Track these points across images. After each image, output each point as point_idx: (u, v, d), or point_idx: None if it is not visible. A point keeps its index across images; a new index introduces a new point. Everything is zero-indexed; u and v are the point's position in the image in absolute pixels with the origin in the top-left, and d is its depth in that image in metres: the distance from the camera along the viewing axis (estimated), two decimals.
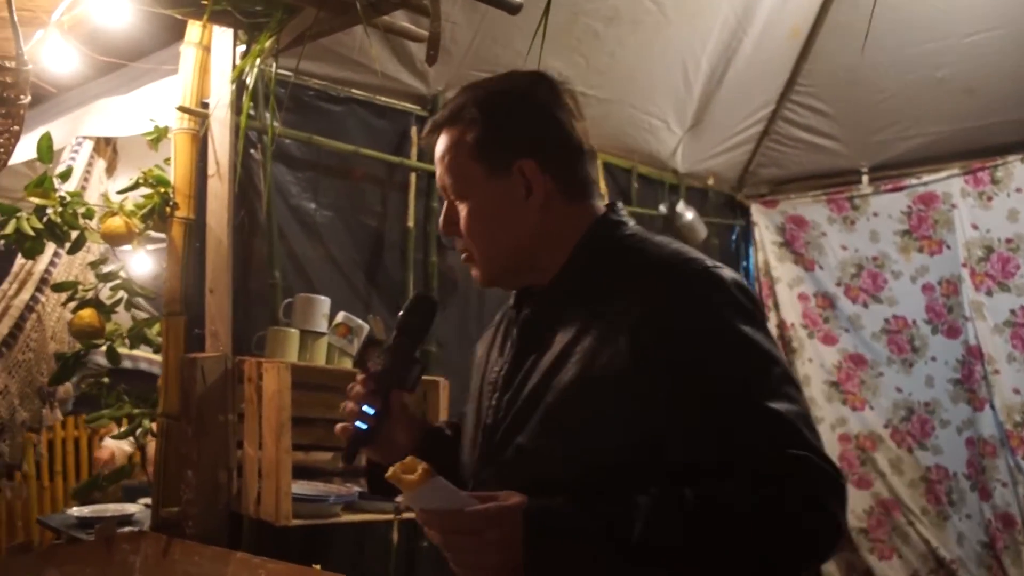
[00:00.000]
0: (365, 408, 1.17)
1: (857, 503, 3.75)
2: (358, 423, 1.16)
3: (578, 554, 0.96)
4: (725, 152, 3.97)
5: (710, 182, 4.05)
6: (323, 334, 2.43)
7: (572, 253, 1.15)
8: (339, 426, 1.20)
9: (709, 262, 1.09)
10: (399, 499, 0.99)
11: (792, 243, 4.04)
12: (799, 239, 4.02)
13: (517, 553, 0.94)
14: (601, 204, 1.21)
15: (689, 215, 3.79)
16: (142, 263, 2.85)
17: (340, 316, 2.49)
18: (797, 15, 3.47)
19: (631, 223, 1.20)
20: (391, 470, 0.94)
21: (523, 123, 1.16)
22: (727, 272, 1.08)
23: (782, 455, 0.96)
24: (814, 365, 3.93)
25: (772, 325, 4.07)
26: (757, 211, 4.16)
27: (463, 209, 1.17)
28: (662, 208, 3.80)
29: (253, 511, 2.17)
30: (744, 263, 4.29)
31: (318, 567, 1.89)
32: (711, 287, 1.05)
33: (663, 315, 1.04)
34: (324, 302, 2.45)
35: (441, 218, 1.22)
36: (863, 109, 3.72)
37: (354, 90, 2.77)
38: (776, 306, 4.04)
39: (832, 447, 3.82)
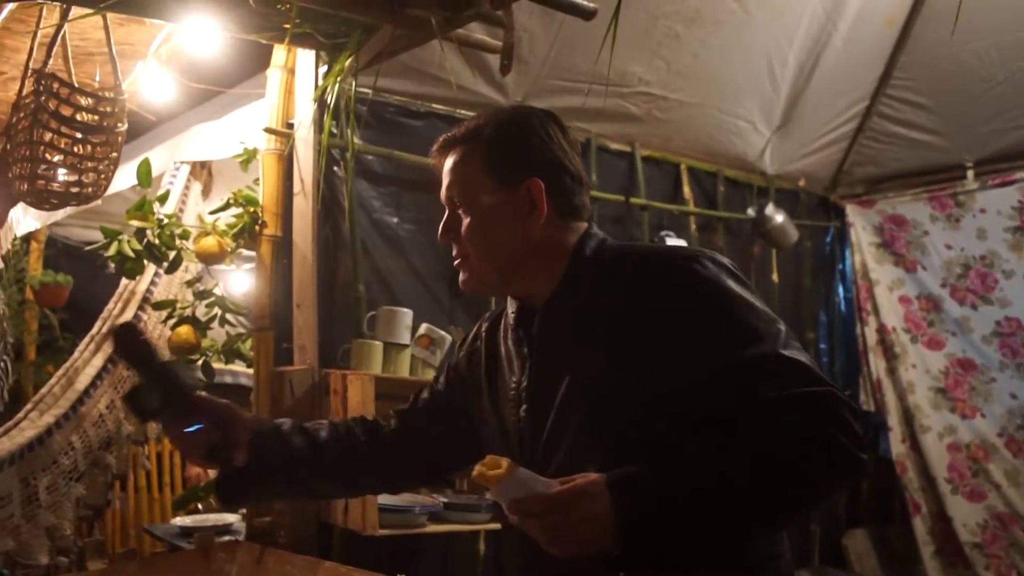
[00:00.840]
0: (189, 431, 1.19)
1: (970, 516, 3.53)
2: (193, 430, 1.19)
3: (664, 510, 1.00)
4: (816, 152, 3.83)
5: (801, 183, 3.91)
6: (406, 346, 2.46)
7: (569, 264, 1.24)
8: (187, 453, 1.27)
9: (696, 248, 1.28)
10: (488, 496, 1.03)
11: (892, 244, 3.86)
12: (899, 239, 3.83)
13: (609, 521, 0.99)
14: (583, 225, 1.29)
15: (779, 218, 3.66)
16: (236, 281, 2.96)
17: (423, 328, 2.52)
18: (891, 4, 3.32)
19: (609, 239, 1.29)
20: (476, 470, 1.01)
21: (536, 147, 1.24)
22: (714, 253, 1.19)
23: (808, 392, 1.04)
24: (918, 371, 3.73)
25: (872, 329, 3.90)
26: (853, 212, 4.00)
27: (467, 217, 1.24)
28: (750, 212, 3.69)
29: (341, 521, 2.21)
30: (840, 266, 4.12)
31: None
32: (707, 264, 1.15)
33: (671, 297, 1.13)
34: (407, 314, 2.48)
35: (441, 225, 1.28)
36: (966, 100, 3.52)
37: (434, 104, 2.81)
38: (875, 309, 3.87)
39: (940, 457, 3.62)
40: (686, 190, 3.56)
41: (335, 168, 2.55)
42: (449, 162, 1.28)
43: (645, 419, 1.12)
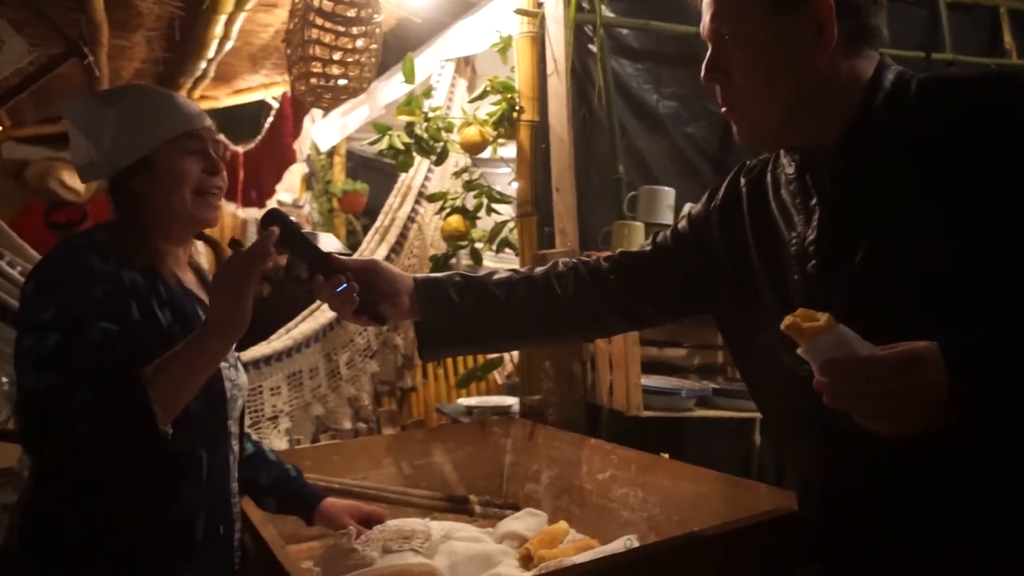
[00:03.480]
0: (337, 291, 1.24)
1: None
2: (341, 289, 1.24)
3: (1011, 383, 0.85)
4: None
5: None
6: (668, 226, 2.35)
7: (864, 101, 1.03)
8: (339, 312, 1.28)
9: None
10: (799, 351, 0.89)
11: None
12: None
13: (943, 393, 0.83)
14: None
15: None
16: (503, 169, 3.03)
17: (686, 207, 2.39)
18: None
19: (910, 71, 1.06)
20: (787, 321, 0.88)
21: None
22: None
23: None
24: None
25: None
26: None
27: (736, 53, 1.06)
28: None
29: (606, 401, 2.22)
30: None
31: (666, 456, 1.88)
32: None
33: (1014, 132, 0.91)
34: (669, 193, 2.38)
35: (705, 63, 1.10)
36: None
37: None
38: None
39: None
40: (1007, 39, 2.99)
41: (589, 47, 2.46)
42: None
43: (974, 285, 0.92)
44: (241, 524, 1.47)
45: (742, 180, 1.26)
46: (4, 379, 2.09)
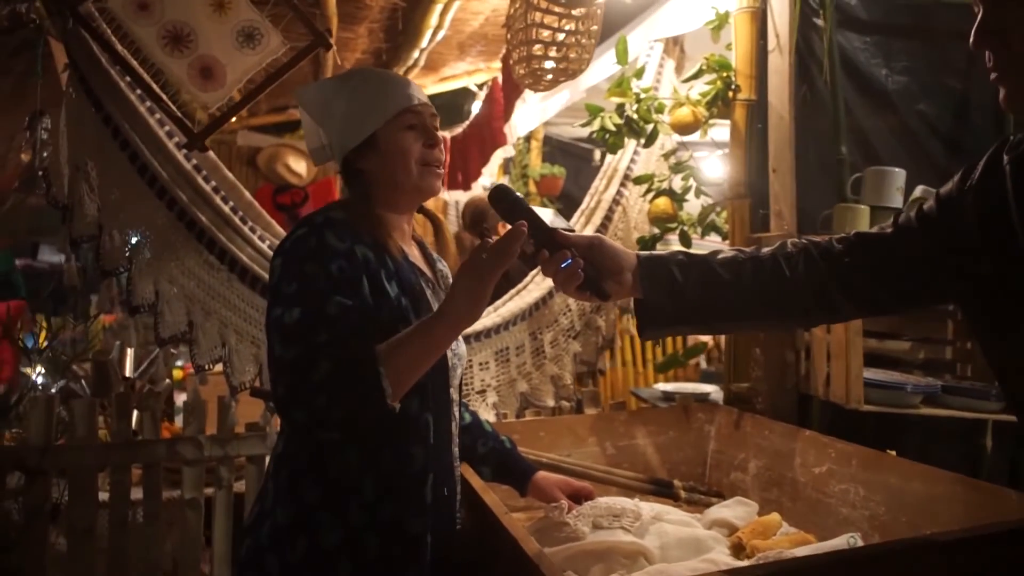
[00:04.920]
0: (562, 267, 1.25)
1: None
2: (565, 265, 1.25)
3: None
4: None
5: None
6: (899, 210, 2.20)
7: None
8: (563, 287, 1.28)
9: None
10: None
11: None
12: None
13: None
14: None
15: None
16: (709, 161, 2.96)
17: (918, 190, 2.22)
18: None
19: None
20: None
21: None
22: None
23: None
24: None
25: None
26: None
27: (1017, 13, 0.97)
28: None
29: (822, 392, 2.12)
30: None
31: (893, 452, 1.76)
32: None
33: None
34: (899, 175, 2.22)
35: (975, 27, 1.00)
36: None
37: None
38: None
39: None
40: None
41: (815, 20, 2.34)
42: None
43: None
44: (460, 488, 1.55)
45: (1005, 157, 1.13)
46: (248, 343, 2.31)
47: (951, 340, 2.38)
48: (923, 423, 2.22)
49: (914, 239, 1.25)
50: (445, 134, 5.40)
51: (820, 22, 2.32)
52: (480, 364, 2.49)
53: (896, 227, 1.29)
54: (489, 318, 2.53)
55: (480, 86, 5.27)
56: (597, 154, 5.91)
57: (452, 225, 5.66)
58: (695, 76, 2.44)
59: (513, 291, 2.66)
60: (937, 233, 1.22)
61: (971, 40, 1.03)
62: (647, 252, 1.38)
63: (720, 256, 1.36)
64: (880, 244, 1.29)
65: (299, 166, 6.18)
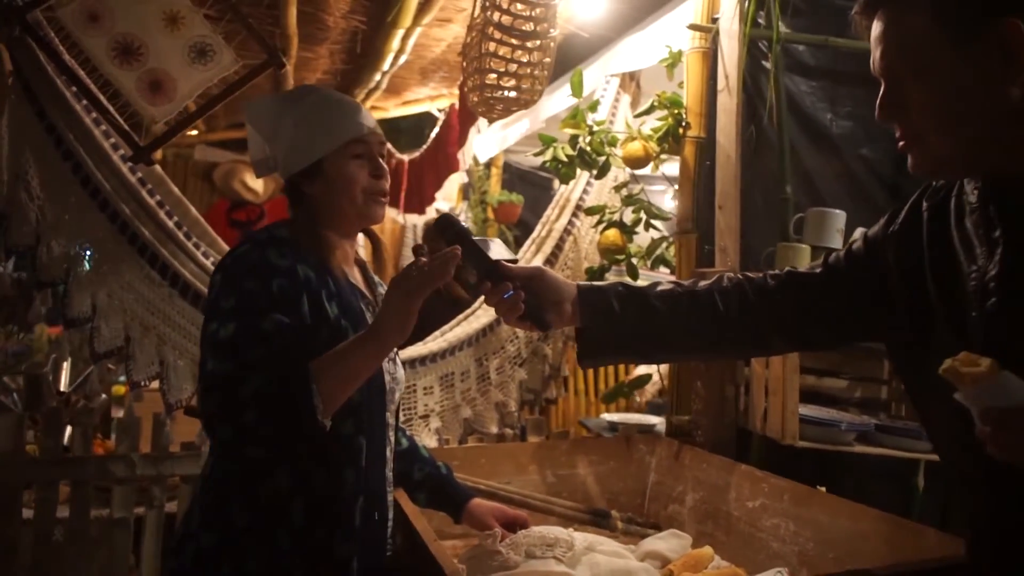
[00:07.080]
0: (504, 297, 1.28)
1: None
2: (507, 296, 1.28)
3: None
4: None
5: None
6: (837, 251, 2.25)
7: None
8: (504, 317, 1.31)
9: None
10: (956, 396, 0.85)
11: None
12: None
13: None
14: None
15: None
16: (657, 191, 3.00)
17: (857, 233, 2.27)
18: None
19: None
20: (946, 364, 0.85)
21: None
22: None
23: None
24: None
25: None
26: None
27: (915, 89, 0.99)
28: None
29: (760, 427, 2.15)
30: None
31: (823, 489, 1.79)
32: None
33: None
34: (839, 216, 2.28)
35: (879, 100, 1.03)
36: None
37: None
38: None
39: None
40: None
41: (763, 63, 2.40)
42: (879, 25, 1.03)
43: None
44: (393, 514, 1.53)
45: (924, 204, 1.17)
46: (184, 360, 2.27)
47: (887, 379, 2.43)
48: (860, 461, 2.26)
49: (842, 278, 1.29)
50: (404, 157, 5.40)
51: (768, 65, 2.39)
52: (424, 388, 2.48)
53: (826, 266, 1.33)
54: (436, 343, 2.53)
55: (442, 111, 5.30)
56: (556, 183, 5.96)
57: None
58: (647, 112, 2.48)
59: (461, 316, 2.66)
60: (863, 274, 1.26)
61: (876, 113, 1.06)
62: (587, 283, 1.39)
63: (658, 289, 1.39)
64: (810, 282, 1.33)
65: (256, 183, 6.13)
